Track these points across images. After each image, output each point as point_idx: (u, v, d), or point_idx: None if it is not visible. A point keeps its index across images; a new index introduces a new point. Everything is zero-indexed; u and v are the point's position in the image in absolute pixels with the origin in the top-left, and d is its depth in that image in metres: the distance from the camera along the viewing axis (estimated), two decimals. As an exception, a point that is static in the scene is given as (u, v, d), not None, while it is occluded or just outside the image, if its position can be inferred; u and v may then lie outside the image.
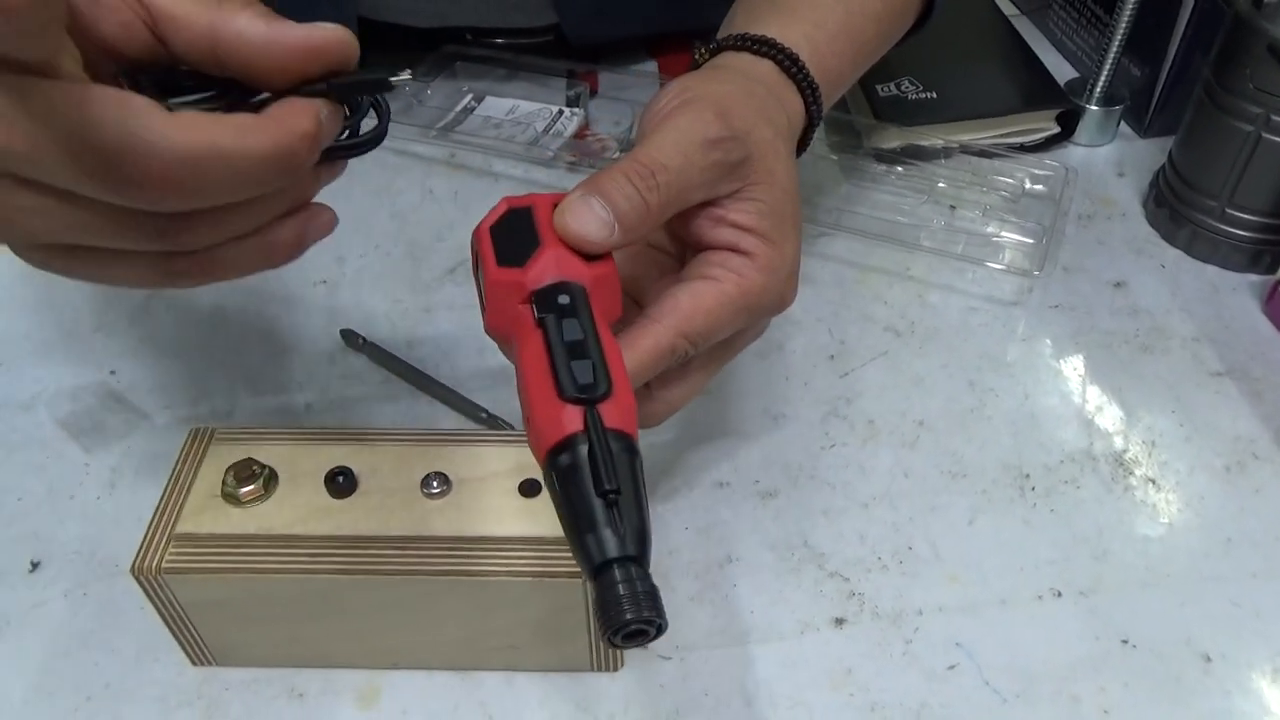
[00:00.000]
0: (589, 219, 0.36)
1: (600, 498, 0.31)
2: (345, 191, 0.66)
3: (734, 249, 0.40)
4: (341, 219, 0.66)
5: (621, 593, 0.30)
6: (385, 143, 0.72)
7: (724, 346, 0.42)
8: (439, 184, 0.67)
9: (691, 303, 0.39)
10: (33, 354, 0.56)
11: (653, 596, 0.30)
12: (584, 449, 0.32)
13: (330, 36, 0.31)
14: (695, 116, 0.39)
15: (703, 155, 0.38)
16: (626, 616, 0.29)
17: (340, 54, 0.31)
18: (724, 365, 0.44)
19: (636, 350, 0.38)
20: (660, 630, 0.31)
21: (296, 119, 0.31)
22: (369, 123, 0.37)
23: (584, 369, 0.33)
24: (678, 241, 0.44)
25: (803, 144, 0.48)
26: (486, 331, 0.38)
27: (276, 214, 0.34)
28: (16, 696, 0.42)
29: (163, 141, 0.28)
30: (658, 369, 0.39)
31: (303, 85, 0.32)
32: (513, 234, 0.37)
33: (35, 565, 0.46)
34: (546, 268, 0.36)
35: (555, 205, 0.37)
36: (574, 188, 0.37)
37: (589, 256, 0.37)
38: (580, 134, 0.69)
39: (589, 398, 0.32)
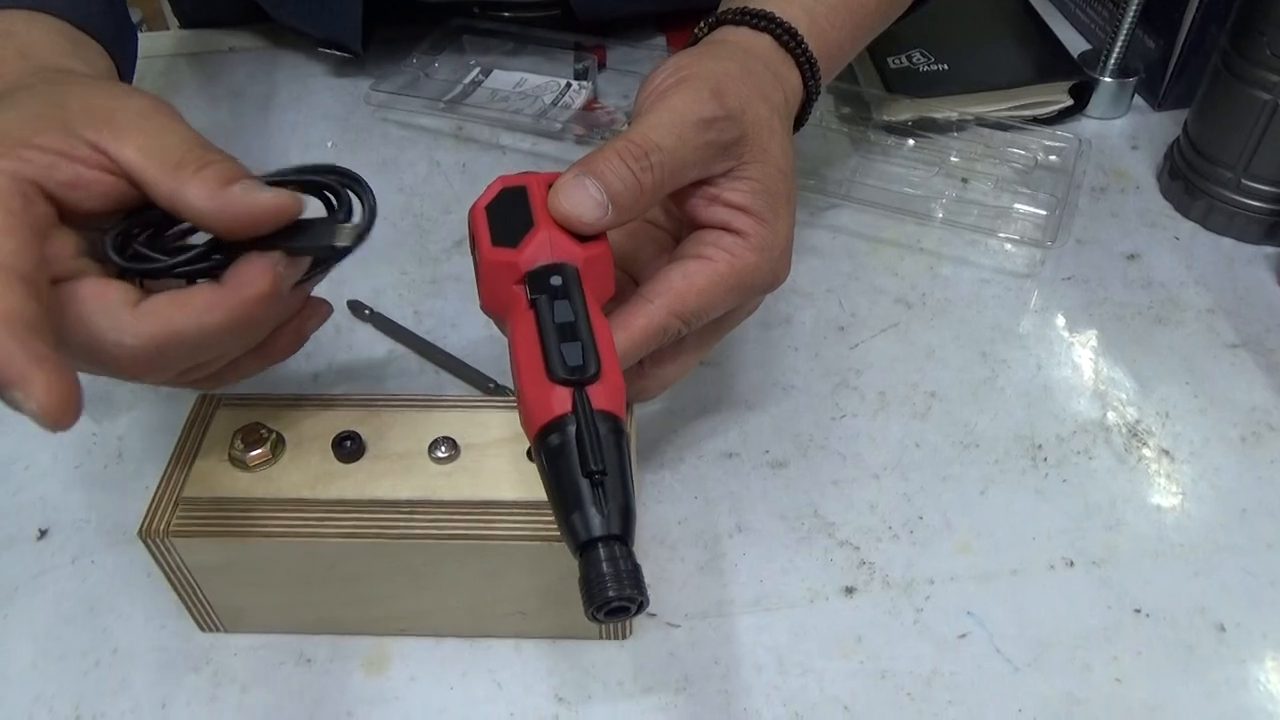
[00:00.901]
0: (583, 199, 0.36)
1: (586, 478, 0.32)
2: (352, 163, 0.66)
3: (727, 228, 0.40)
4: (349, 191, 0.65)
5: (605, 570, 0.31)
6: (392, 116, 0.72)
7: (717, 323, 0.42)
8: (446, 157, 0.67)
9: (684, 282, 0.39)
10: (40, 325, 0.56)
11: (635, 574, 0.31)
12: (572, 430, 0.33)
13: (270, 205, 0.34)
14: (690, 96, 0.39)
15: (697, 135, 0.38)
16: (609, 594, 0.30)
17: (280, 219, 0.34)
18: (718, 342, 0.44)
19: (629, 330, 0.38)
20: (641, 607, 0.31)
21: (253, 282, 0.34)
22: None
23: (574, 351, 0.34)
24: (673, 218, 0.44)
25: (800, 119, 0.48)
26: (482, 309, 0.38)
27: (268, 332, 0.38)
28: (25, 661, 0.42)
29: (128, 337, 0.32)
30: (650, 348, 0.39)
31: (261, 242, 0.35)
32: (507, 213, 0.37)
33: (43, 533, 0.46)
34: (540, 249, 0.36)
35: (549, 185, 0.37)
36: (568, 168, 0.37)
37: (582, 236, 0.37)
38: (588, 106, 0.68)
39: (578, 379, 0.33)
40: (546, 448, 0.33)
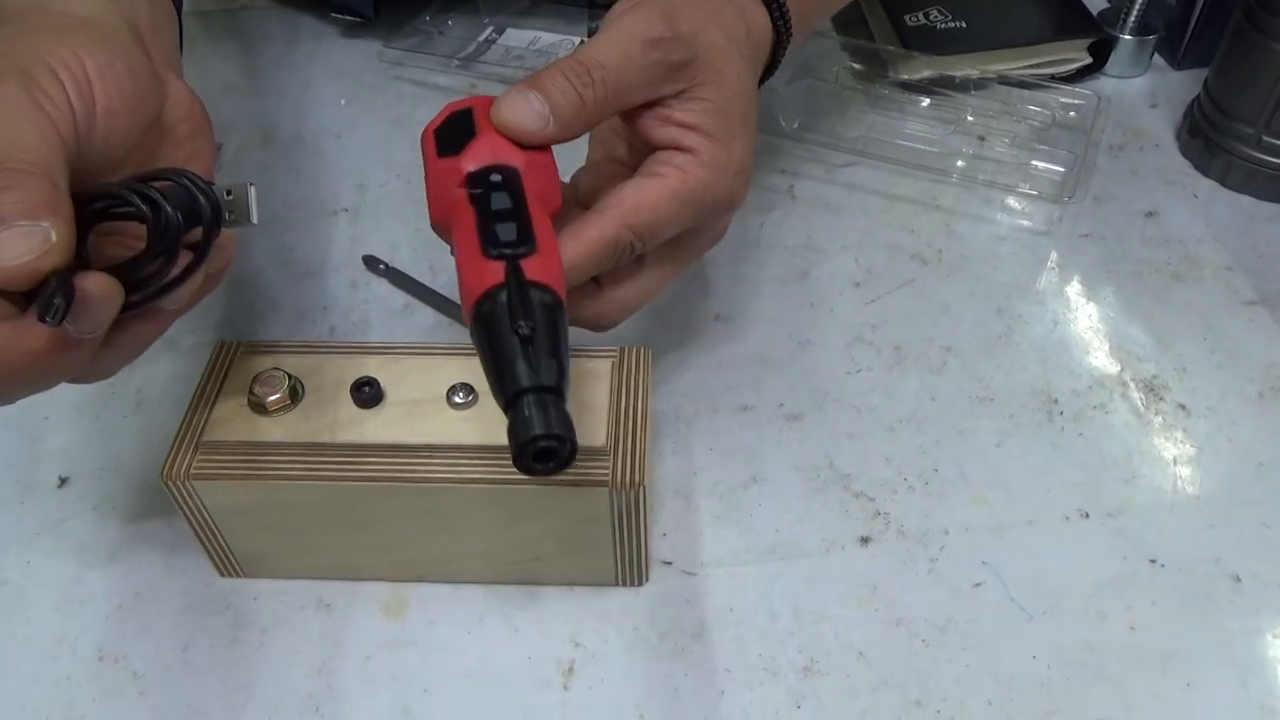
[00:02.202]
0: (524, 110, 0.37)
1: (515, 335, 0.32)
2: (365, 121, 0.66)
3: (678, 147, 0.40)
4: (362, 148, 0.66)
5: (530, 413, 0.31)
6: (405, 75, 0.72)
7: (677, 246, 0.42)
8: (460, 115, 0.66)
9: (636, 196, 0.39)
10: (57, 279, 0.56)
11: (564, 419, 0.31)
12: (504, 297, 0.33)
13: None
14: (640, 17, 0.39)
15: (643, 54, 0.38)
16: (535, 431, 0.30)
17: (26, 279, 0.30)
18: (681, 269, 0.44)
19: (581, 240, 0.38)
20: (571, 450, 0.31)
21: (20, 345, 0.31)
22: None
23: (508, 229, 0.35)
24: (637, 154, 0.44)
25: (772, 63, 0.47)
26: (432, 226, 0.39)
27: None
28: (49, 605, 0.42)
29: None
30: (604, 261, 0.39)
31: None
32: (453, 132, 0.38)
33: (64, 480, 0.47)
34: (480, 152, 0.37)
35: (492, 103, 0.38)
36: (512, 86, 0.38)
37: (525, 147, 0.37)
38: (602, 65, 0.68)
39: (511, 254, 0.34)
40: (479, 316, 0.33)
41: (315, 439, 0.38)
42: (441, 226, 0.38)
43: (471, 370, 0.40)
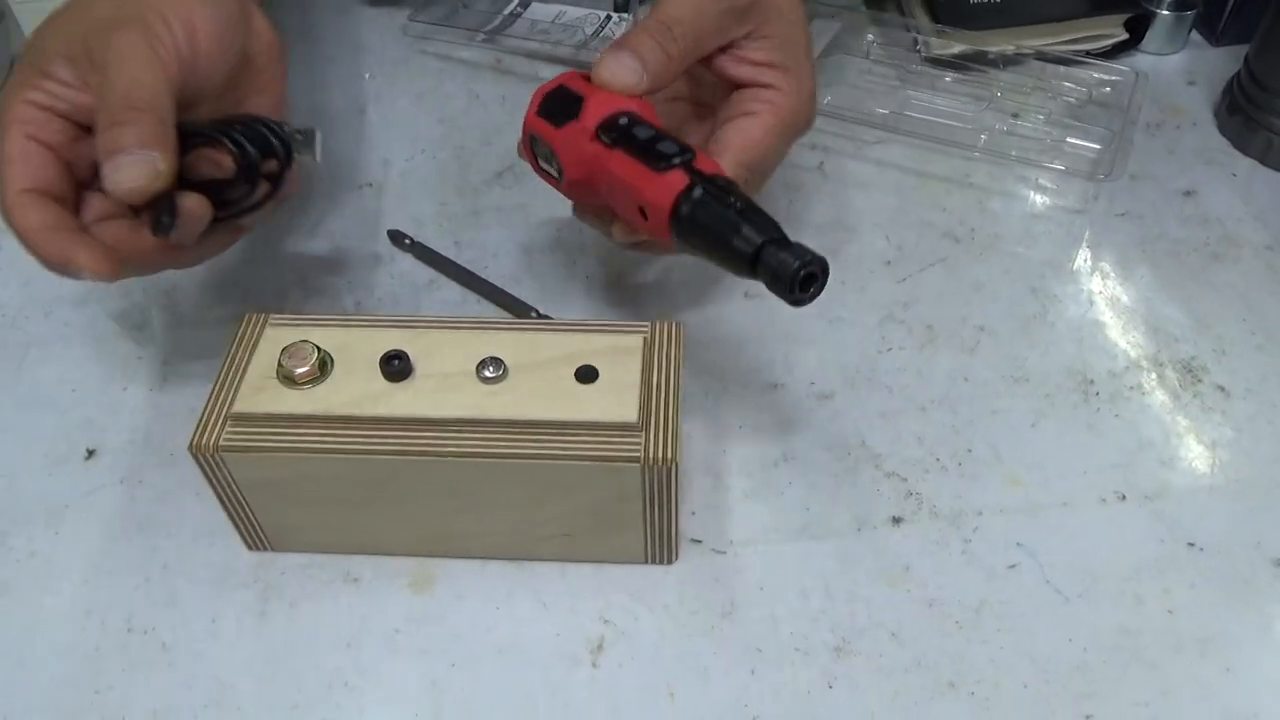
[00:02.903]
0: (622, 69, 0.42)
1: (730, 210, 0.37)
2: (390, 96, 0.66)
3: (760, 83, 0.45)
4: (387, 124, 0.65)
5: (784, 254, 0.35)
6: (430, 48, 0.71)
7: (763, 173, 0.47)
8: (485, 89, 0.66)
9: (742, 137, 0.44)
10: (83, 252, 0.56)
11: (810, 250, 0.36)
12: (697, 191, 0.38)
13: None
14: None
15: (713, 4, 0.43)
16: (794, 264, 0.35)
17: (139, 198, 0.39)
18: (761, 191, 0.48)
19: None
20: (826, 270, 0.36)
21: (135, 243, 0.41)
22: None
23: (668, 144, 0.39)
24: (695, 85, 0.49)
25: None
26: (570, 195, 0.45)
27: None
28: (77, 577, 0.42)
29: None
30: None
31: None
32: (558, 106, 0.43)
33: (91, 453, 0.46)
34: (598, 107, 0.41)
35: (584, 76, 0.43)
36: (602, 50, 0.43)
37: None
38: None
39: (682, 160, 0.39)
40: (686, 217, 0.38)
41: (344, 412, 0.38)
42: (584, 187, 0.43)
43: (501, 344, 0.40)
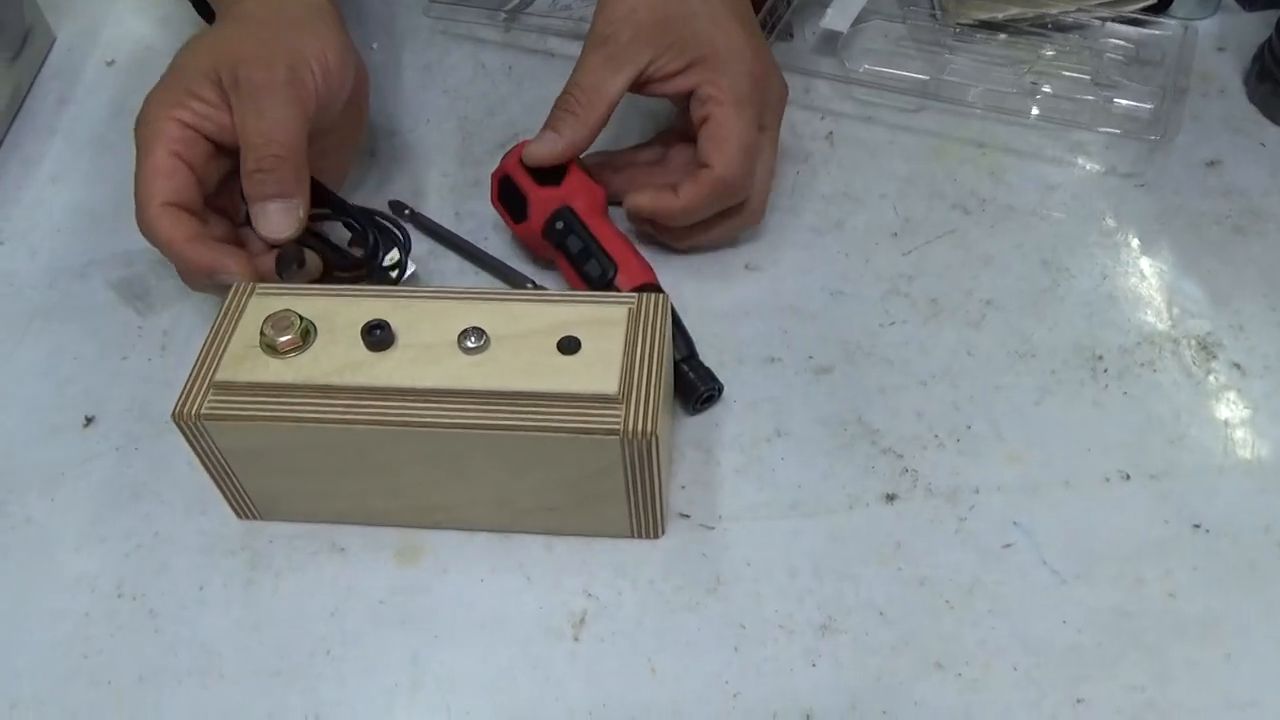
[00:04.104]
0: (542, 147, 0.48)
1: None
2: (395, 66, 0.65)
3: (686, 91, 0.48)
4: (392, 94, 0.65)
5: (692, 378, 0.45)
6: (435, 21, 0.70)
7: (764, 129, 0.49)
8: (491, 59, 0.65)
9: (706, 145, 0.47)
10: (87, 223, 0.56)
11: (710, 373, 0.45)
12: None
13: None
14: (590, 38, 0.48)
15: (601, 58, 0.48)
16: (700, 389, 0.45)
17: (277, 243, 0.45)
18: (774, 134, 0.50)
19: (696, 194, 0.48)
20: (720, 391, 0.46)
21: (250, 270, 0.44)
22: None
23: (592, 265, 0.47)
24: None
25: None
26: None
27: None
28: (69, 543, 0.43)
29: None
30: (719, 203, 0.49)
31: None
32: (511, 199, 0.50)
33: (89, 420, 0.47)
34: (537, 210, 0.49)
35: (519, 157, 0.49)
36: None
37: (559, 171, 0.49)
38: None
39: (603, 282, 0.46)
40: None
41: (325, 381, 0.38)
42: (545, 259, 0.51)
43: (483, 315, 0.39)
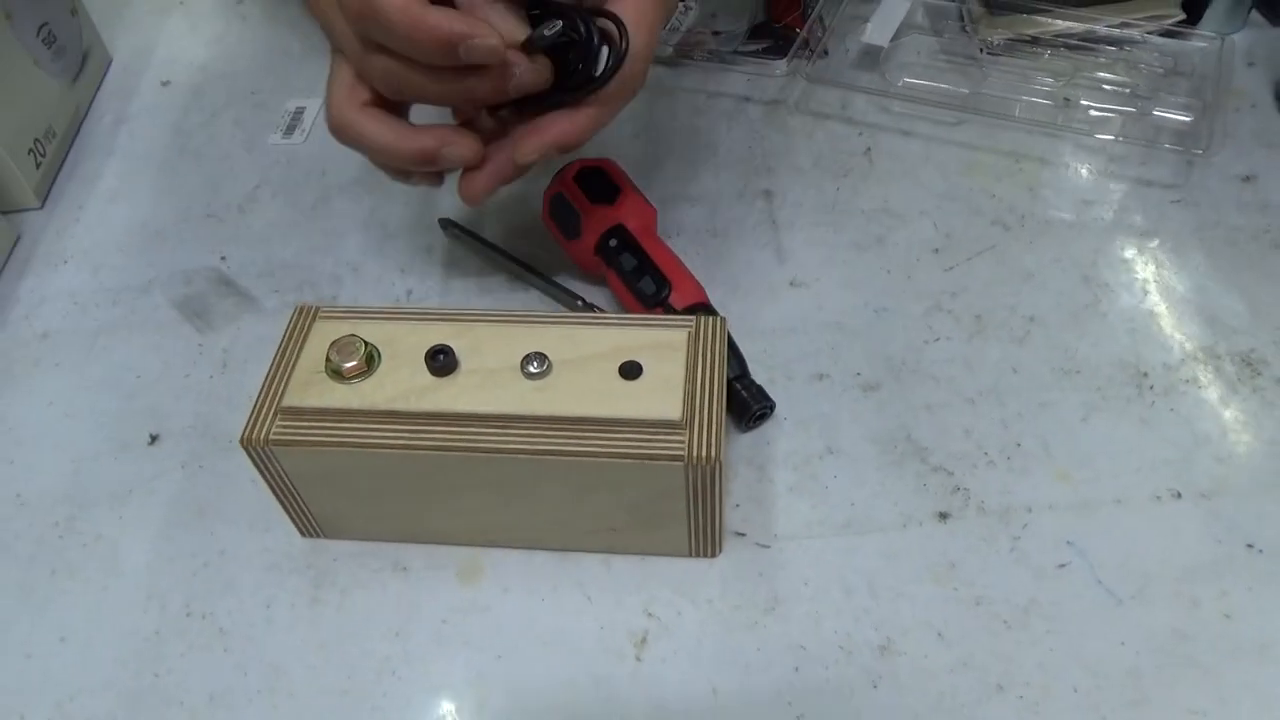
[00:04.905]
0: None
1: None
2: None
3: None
4: (440, 112, 0.63)
5: (745, 396, 0.43)
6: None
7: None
8: (535, 77, 0.63)
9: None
10: (149, 241, 0.55)
11: (762, 390, 0.44)
12: None
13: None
14: None
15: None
16: (753, 407, 0.43)
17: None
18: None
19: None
20: (772, 407, 0.44)
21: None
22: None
23: (646, 283, 0.45)
24: None
25: None
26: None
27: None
28: (140, 561, 0.41)
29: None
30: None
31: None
32: (562, 216, 0.48)
33: (154, 438, 0.45)
34: (590, 230, 0.47)
35: (572, 175, 0.48)
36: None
37: (614, 191, 0.47)
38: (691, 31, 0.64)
39: (658, 299, 0.45)
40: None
41: (390, 407, 0.36)
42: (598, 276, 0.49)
43: (545, 340, 0.37)
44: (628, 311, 0.46)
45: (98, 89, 0.63)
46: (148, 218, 0.56)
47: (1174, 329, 0.47)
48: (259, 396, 0.37)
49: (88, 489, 0.44)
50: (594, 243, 0.47)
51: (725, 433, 0.42)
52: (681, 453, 0.35)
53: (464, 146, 0.40)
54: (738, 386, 0.43)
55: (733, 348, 0.44)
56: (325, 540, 0.41)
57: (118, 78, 0.65)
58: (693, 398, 0.36)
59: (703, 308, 0.45)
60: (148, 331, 0.50)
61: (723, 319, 0.38)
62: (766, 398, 0.43)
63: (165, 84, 0.64)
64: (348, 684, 0.37)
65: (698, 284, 0.46)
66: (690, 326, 0.38)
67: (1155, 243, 0.51)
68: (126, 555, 0.42)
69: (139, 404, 0.47)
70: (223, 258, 0.53)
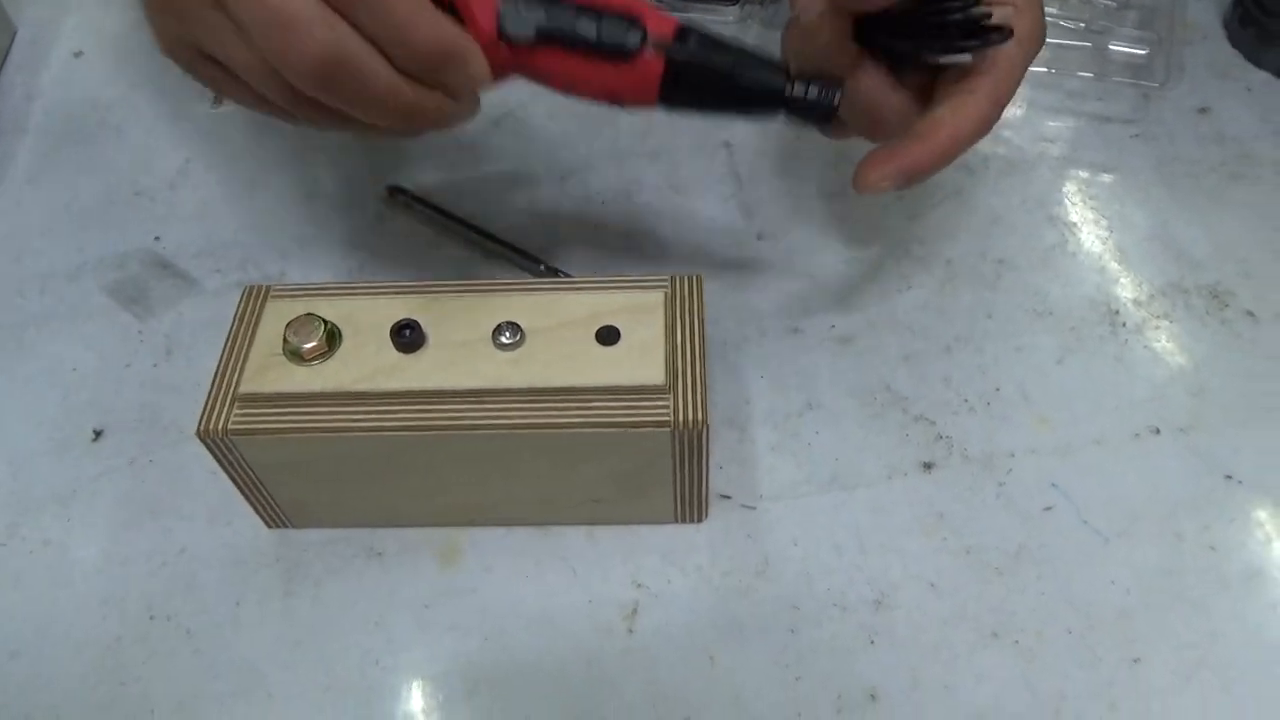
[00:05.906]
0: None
1: (730, 54, 0.35)
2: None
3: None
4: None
5: (811, 88, 0.35)
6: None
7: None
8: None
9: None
10: (74, 223, 0.51)
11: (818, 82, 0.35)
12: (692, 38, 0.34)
13: None
14: None
15: None
16: (828, 95, 0.35)
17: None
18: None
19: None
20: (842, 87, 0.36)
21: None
22: None
23: (607, 26, 0.33)
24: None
25: None
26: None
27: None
28: (90, 565, 0.39)
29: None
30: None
31: None
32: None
33: (98, 434, 0.43)
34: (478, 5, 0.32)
35: None
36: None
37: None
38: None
39: (635, 46, 0.33)
40: (684, 83, 0.34)
41: (357, 388, 0.34)
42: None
43: (515, 308, 0.36)
44: (577, 95, 0.35)
45: (2, 63, 0.59)
46: (70, 199, 0.52)
47: (1141, 265, 0.47)
48: (213, 385, 0.35)
49: (29, 492, 0.41)
50: (493, 25, 0.32)
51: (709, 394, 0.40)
52: (668, 418, 0.33)
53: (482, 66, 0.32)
54: (794, 94, 0.35)
55: (717, 42, 0.34)
56: (293, 530, 0.39)
57: (24, 50, 0.60)
58: (674, 360, 0.34)
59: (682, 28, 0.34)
60: (80, 321, 0.47)
61: (699, 276, 0.37)
62: (829, 86, 0.35)
63: (78, 54, 0.60)
64: (328, 679, 0.36)
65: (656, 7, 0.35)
66: (665, 286, 0.37)
67: (1117, 178, 0.51)
68: (77, 560, 0.39)
69: (78, 399, 0.44)
70: (157, 238, 0.50)
